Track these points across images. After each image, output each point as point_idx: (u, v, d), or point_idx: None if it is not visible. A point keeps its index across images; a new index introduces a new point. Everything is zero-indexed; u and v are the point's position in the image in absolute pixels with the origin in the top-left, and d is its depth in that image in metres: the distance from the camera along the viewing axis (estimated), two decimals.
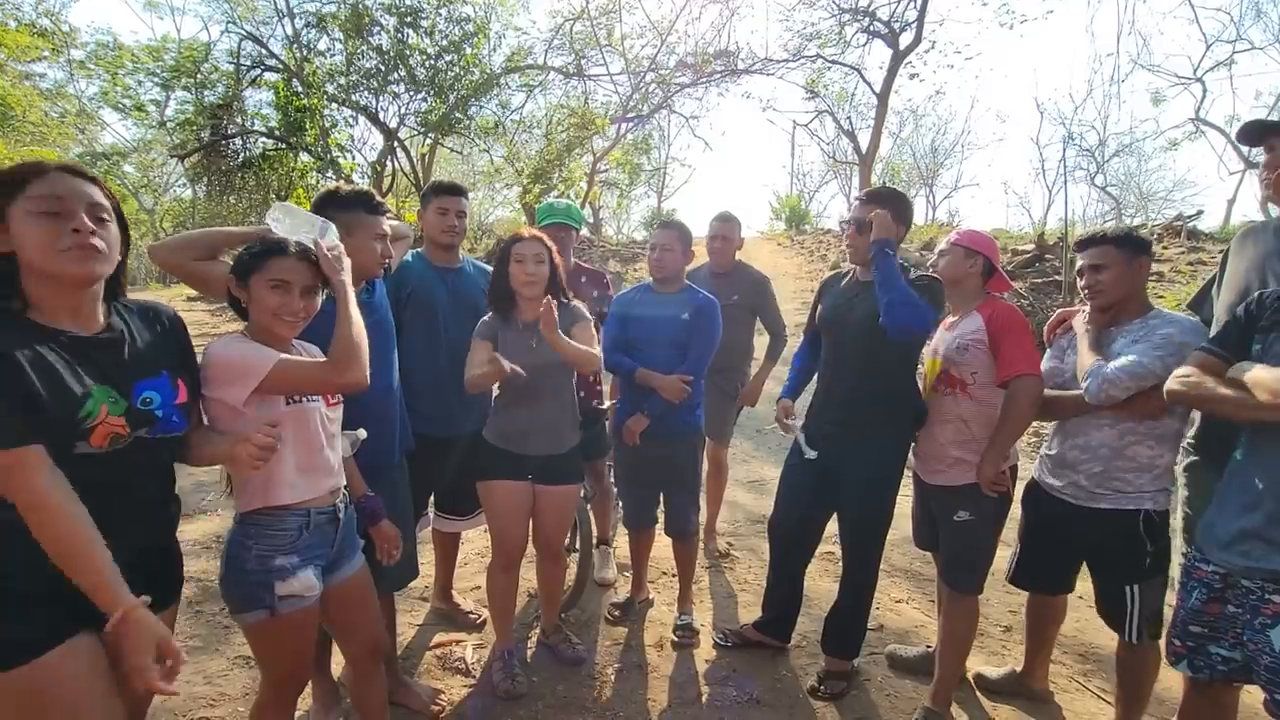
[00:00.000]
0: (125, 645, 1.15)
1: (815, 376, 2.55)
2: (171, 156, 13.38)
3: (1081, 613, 2.79)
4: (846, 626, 2.48)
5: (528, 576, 3.19)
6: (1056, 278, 8.67)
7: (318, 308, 1.58)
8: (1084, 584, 2.22)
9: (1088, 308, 2.13)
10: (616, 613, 2.92)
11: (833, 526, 2.50)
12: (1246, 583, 1.52)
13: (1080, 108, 25.18)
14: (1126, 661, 2.08)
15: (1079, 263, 2.08)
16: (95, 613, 1.17)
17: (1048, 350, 2.28)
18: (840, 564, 2.51)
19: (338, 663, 2.27)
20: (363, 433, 1.82)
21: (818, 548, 2.62)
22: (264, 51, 11.83)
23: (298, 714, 2.04)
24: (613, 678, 2.51)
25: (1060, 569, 2.23)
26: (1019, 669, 2.46)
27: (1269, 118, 2.10)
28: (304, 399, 1.54)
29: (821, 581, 3.19)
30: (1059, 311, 2.35)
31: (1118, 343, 2.00)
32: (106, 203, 1.24)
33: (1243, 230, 2.05)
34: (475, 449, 2.40)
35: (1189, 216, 11.13)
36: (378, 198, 1.97)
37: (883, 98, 13.72)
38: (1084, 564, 2.18)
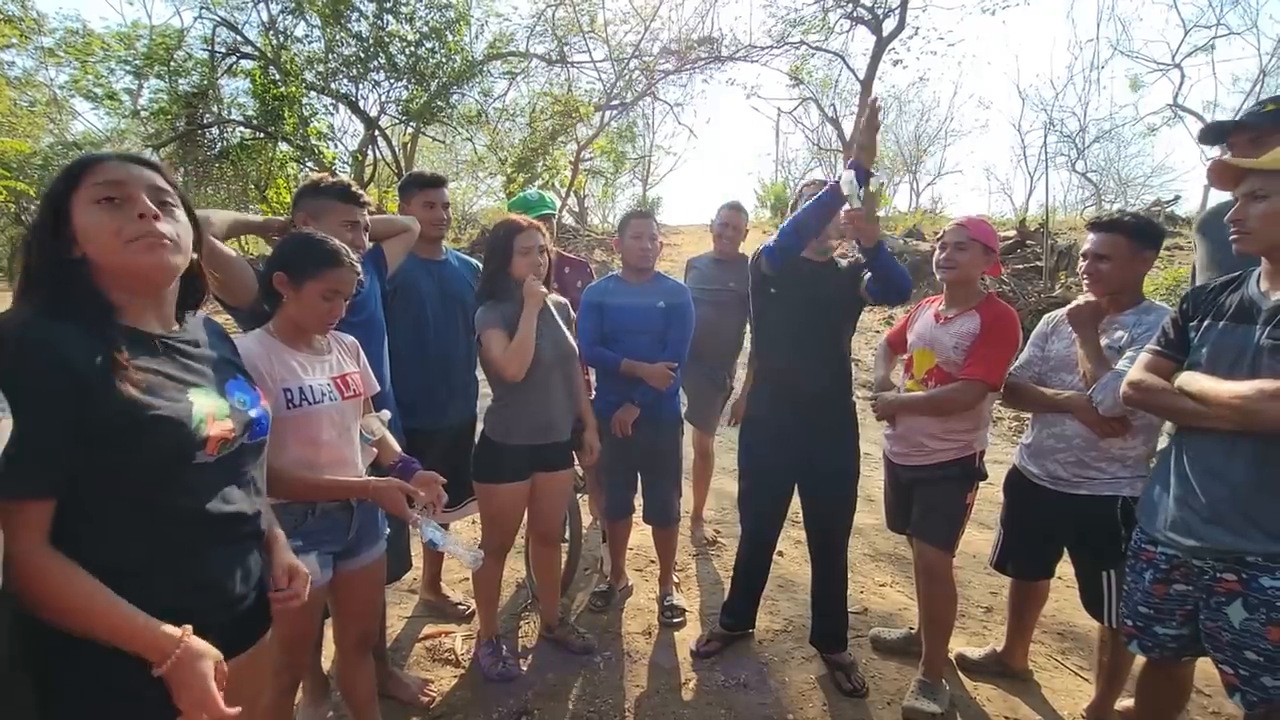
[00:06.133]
0: (183, 692, 0.98)
1: (764, 367, 2.54)
2: (146, 146, 13.06)
3: (1060, 593, 2.85)
4: (837, 615, 2.52)
5: (515, 567, 3.22)
6: (1038, 264, 8.77)
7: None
8: (1062, 565, 2.27)
9: (1081, 299, 2.10)
10: (599, 602, 2.94)
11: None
12: (1197, 563, 1.55)
13: (1061, 94, 25.31)
14: (1107, 643, 2.13)
15: (1085, 245, 2.08)
16: (223, 645, 1.09)
17: (1030, 337, 2.30)
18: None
19: (327, 656, 2.27)
20: (387, 414, 1.84)
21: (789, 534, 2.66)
22: (239, 38, 11.54)
23: None
24: (601, 665, 2.53)
25: (1042, 555, 2.27)
26: (999, 649, 2.51)
27: (1229, 118, 2.12)
28: (305, 401, 1.55)
29: (806, 567, 3.23)
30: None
31: (1113, 334, 2.02)
32: (172, 189, 1.11)
33: (1207, 214, 2.08)
34: (482, 448, 2.38)
35: (1167, 202, 11.31)
36: (355, 188, 1.96)
37: (866, 84, 13.71)
38: (1064, 549, 2.23)
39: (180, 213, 1.11)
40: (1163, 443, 2.05)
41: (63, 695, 0.98)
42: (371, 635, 1.89)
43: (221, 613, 1.12)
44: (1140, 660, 1.86)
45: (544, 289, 2.21)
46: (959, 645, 2.60)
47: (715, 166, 49.83)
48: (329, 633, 2.04)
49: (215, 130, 11.84)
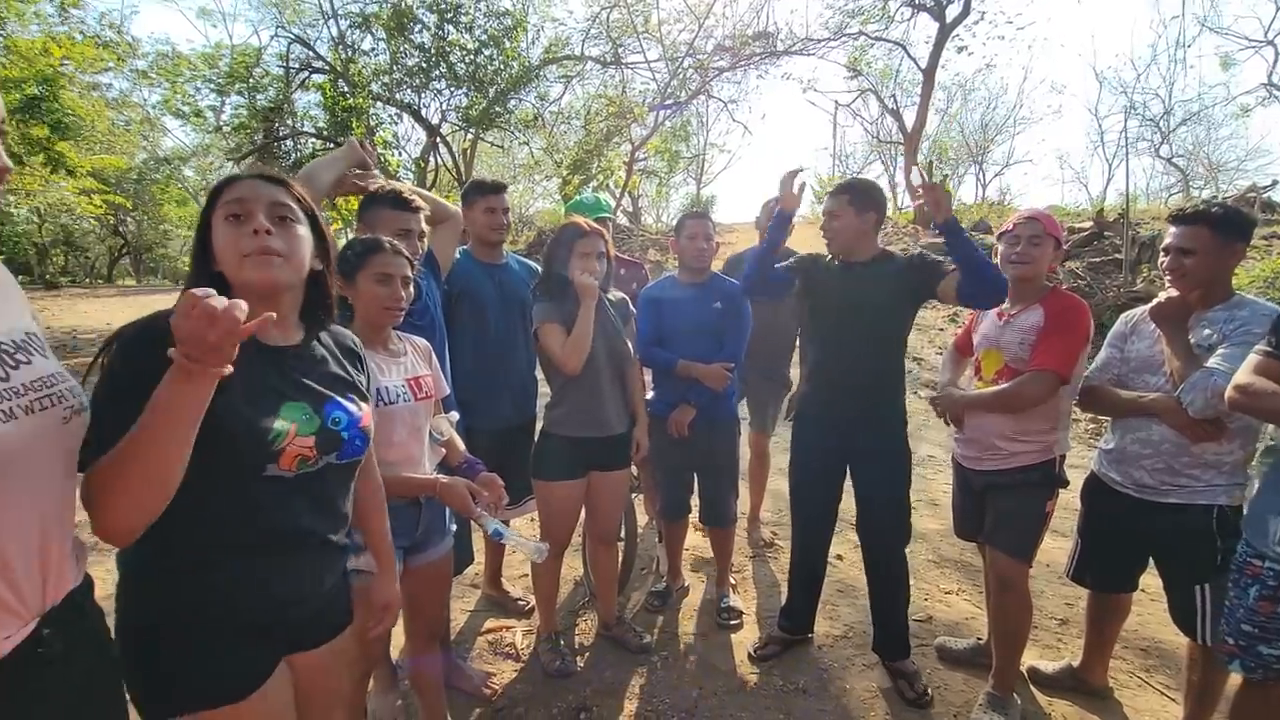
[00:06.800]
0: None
1: (811, 365, 2.50)
2: (228, 159, 13.93)
3: (1144, 606, 2.68)
4: (895, 622, 2.45)
5: (573, 565, 3.27)
6: (1117, 256, 8.27)
7: (413, 296, 1.72)
8: (1147, 576, 2.14)
9: (1164, 295, 1.96)
10: (656, 602, 2.95)
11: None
12: None
13: (1143, 75, 23.89)
14: (1197, 661, 1.99)
15: (1166, 239, 1.96)
16: (292, 641, 1.21)
17: (1107, 338, 2.18)
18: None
19: (396, 646, 2.37)
20: (455, 415, 1.92)
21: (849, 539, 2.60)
22: (311, 54, 12.19)
23: None
24: (658, 665, 2.54)
25: (1123, 567, 2.14)
26: (1075, 663, 2.39)
27: None
28: (382, 402, 1.61)
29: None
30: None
31: (1201, 332, 1.88)
32: (294, 204, 1.13)
33: None
34: (540, 445, 2.43)
35: (1263, 187, 10.47)
36: (406, 194, 2.03)
37: (929, 73, 13.28)
38: (1149, 560, 2.10)
39: (301, 228, 1.14)
40: (1264, 445, 1.90)
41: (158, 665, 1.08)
42: (439, 627, 1.96)
43: (285, 614, 1.18)
44: (1236, 680, 1.73)
45: (595, 282, 2.24)
46: (1031, 658, 2.49)
47: (770, 163, 49.23)
48: (398, 624, 2.12)
49: (289, 142, 12.50)
